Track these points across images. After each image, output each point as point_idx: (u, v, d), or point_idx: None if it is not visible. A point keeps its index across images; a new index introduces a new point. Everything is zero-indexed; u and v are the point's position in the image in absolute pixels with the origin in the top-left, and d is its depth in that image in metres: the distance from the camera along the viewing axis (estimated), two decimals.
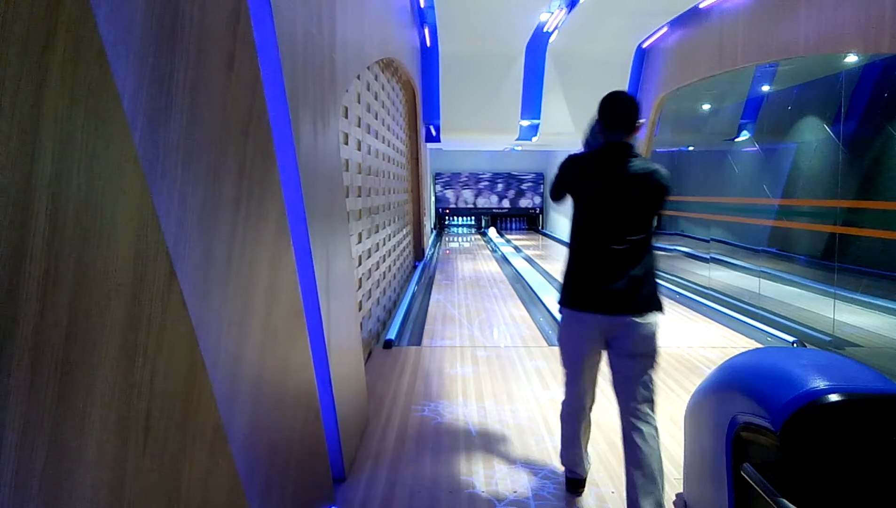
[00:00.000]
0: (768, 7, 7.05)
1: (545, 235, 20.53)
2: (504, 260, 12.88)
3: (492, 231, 20.87)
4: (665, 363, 5.08)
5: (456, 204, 22.74)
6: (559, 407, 2.89)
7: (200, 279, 1.46)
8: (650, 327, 2.56)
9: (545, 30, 10.98)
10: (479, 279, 9.98)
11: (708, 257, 8.74)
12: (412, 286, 8.58)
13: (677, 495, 2.65)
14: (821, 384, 1.72)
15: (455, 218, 22.94)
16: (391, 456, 3.25)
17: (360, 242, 5.10)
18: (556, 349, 2.92)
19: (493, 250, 15.25)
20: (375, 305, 5.89)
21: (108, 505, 1.13)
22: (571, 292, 2.58)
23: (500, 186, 22.69)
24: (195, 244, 1.44)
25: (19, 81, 0.93)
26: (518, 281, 9.65)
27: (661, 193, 2.50)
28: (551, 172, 3.03)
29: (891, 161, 5.27)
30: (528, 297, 8.24)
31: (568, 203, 2.72)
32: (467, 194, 22.72)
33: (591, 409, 2.84)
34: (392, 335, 5.73)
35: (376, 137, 6.33)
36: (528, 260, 12.94)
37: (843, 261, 5.71)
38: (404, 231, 9.46)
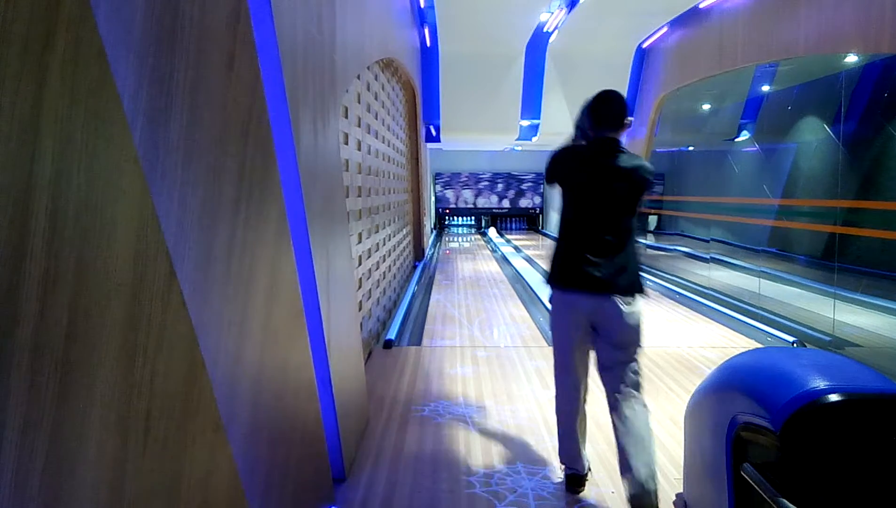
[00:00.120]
0: (768, 7, 7.05)
1: (545, 235, 20.53)
2: (504, 260, 12.88)
3: (492, 231, 20.87)
4: (665, 363, 5.08)
5: (456, 204, 22.74)
6: None
7: (200, 279, 1.46)
8: (635, 315, 2.67)
9: (545, 30, 10.98)
10: (479, 279, 9.98)
11: (708, 257, 8.75)
12: (412, 286, 8.58)
13: (677, 495, 2.65)
14: (821, 384, 1.72)
15: (455, 218, 22.93)
16: (391, 456, 3.25)
17: (360, 242, 5.10)
18: None
19: (493, 250, 15.25)
20: (375, 305, 5.89)
21: (108, 505, 1.13)
22: (560, 273, 2.73)
23: (500, 186, 22.68)
24: (195, 244, 1.44)
25: (19, 81, 0.93)
26: (518, 281, 9.65)
27: (644, 186, 2.69)
28: None
29: (891, 161, 5.27)
30: (528, 297, 8.24)
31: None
32: (467, 194, 22.72)
33: (584, 401, 2.87)
34: (392, 335, 5.73)
35: (376, 137, 6.33)
36: (528, 260, 12.94)
37: (843, 261, 5.71)
38: (404, 231, 9.46)
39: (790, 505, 1.61)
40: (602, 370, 2.75)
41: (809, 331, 6.02)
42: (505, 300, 8.06)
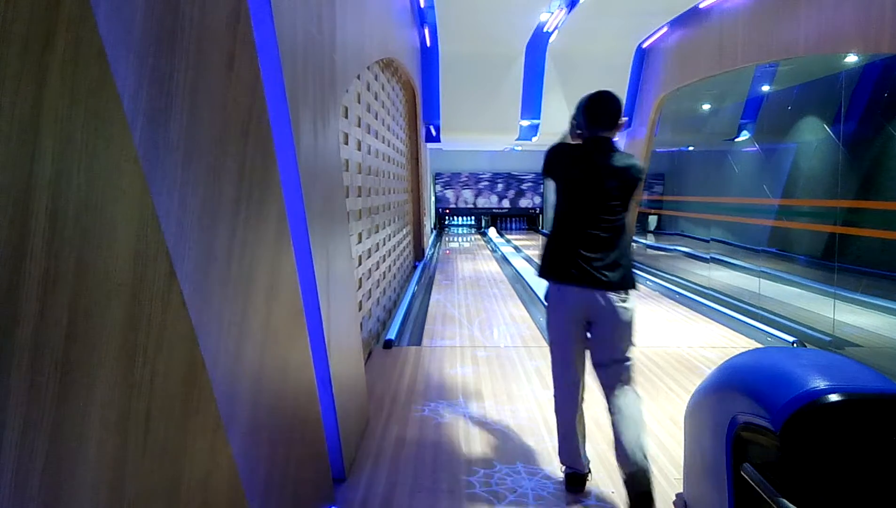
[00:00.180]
0: (768, 7, 7.05)
1: (545, 235, 20.50)
2: (504, 260, 12.88)
3: (492, 231, 20.86)
4: (665, 362, 5.08)
5: (456, 204, 22.73)
6: None
7: (200, 279, 1.46)
8: (629, 312, 2.74)
9: (545, 30, 10.98)
10: (479, 279, 9.98)
11: (708, 257, 8.75)
12: (412, 286, 8.58)
13: (677, 495, 2.65)
14: (821, 384, 1.72)
15: (455, 218, 22.93)
16: (391, 456, 3.25)
17: (360, 242, 5.10)
18: None
19: (493, 250, 15.25)
20: (375, 305, 5.89)
21: (108, 505, 1.13)
22: (554, 267, 2.80)
23: (500, 186, 22.68)
24: (195, 244, 1.44)
25: (19, 80, 0.93)
26: (518, 281, 9.65)
27: (636, 184, 2.79)
28: None
29: (891, 161, 5.27)
30: (528, 297, 8.24)
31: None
32: (467, 194, 22.71)
33: (582, 398, 2.88)
34: (392, 335, 5.73)
35: (376, 137, 6.33)
36: (528, 260, 12.94)
37: (843, 261, 5.71)
38: (404, 231, 9.46)
39: (790, 505, 1.61)
40: (597, 366, 2.81)
41: (809, 331, 6.02)
42: (505, 300, 8.06)
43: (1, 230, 0.90)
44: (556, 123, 12.11)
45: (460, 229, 22.73)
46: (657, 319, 6.96)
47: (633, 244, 11.91)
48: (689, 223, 9.87)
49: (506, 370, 4.84)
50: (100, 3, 1.08)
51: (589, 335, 2.81)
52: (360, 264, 5.07)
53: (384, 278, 6.70)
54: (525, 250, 15.13)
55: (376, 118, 6.32)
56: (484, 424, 3.72)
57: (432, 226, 19.66)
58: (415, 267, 10.67)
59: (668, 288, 8.76)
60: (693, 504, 2.42)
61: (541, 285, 3.15)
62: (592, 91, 2.85)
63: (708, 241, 8.81)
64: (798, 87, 6.98)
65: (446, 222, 22.77)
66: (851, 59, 5.81)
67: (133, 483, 1.19)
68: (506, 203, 22.70)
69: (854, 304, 5.60)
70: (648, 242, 11.65)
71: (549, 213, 21.45)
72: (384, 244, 6.79)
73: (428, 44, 11.34)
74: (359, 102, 5.18)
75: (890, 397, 1.69)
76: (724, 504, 2.04)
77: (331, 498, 2.70)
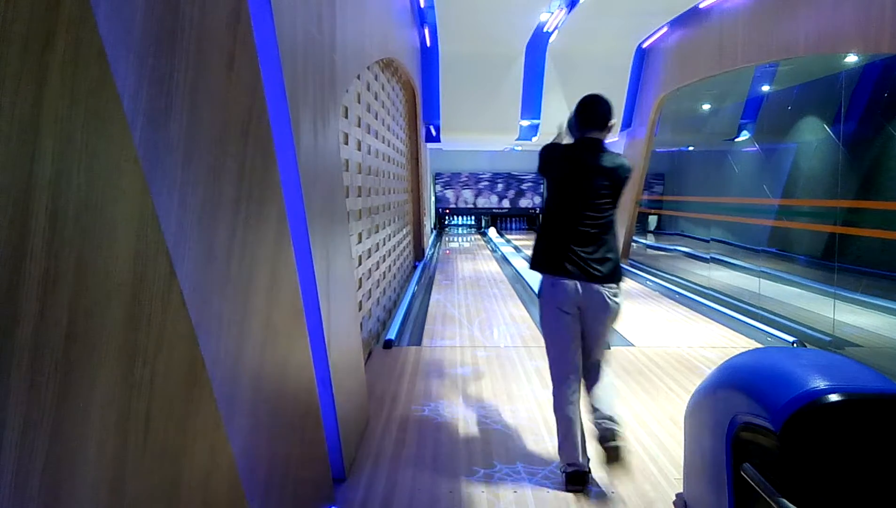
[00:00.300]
0: (768, 7, 7.05)
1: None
2: (504, 260, 12.88)
3: (492, 231, 20.86)
4: (665, 362, 5.08)
5: (456, 204, 22.73)
6: None
7: (200, 279, 1.46)
8: (618, 305, 2.92)
9: (545, 30, 10.98)
10: (479, 279, 9.98)
11: (708, 257, 8.75)
12: (412, 286, 8.58)
13: (677, 495, 2.65)
14: (821, 384, 1.72)
15: (455, 218, 22.92)
16: (391, 456, 3.25)
17: (360, 242, 5.10)
18: None
19: (493, 250, 15.25)
20: (375, 305, 5.89)
21: (108, 505, 1.13)
22: (549, 261, 2.94)
23: (500, 186, 22.67)
24: (195, 244, 1.44)
25: (19, 80, 0.93)
26: (518, 281, 9.65)
27: (623, 183, 2.95)
28: None
29: (891, 161, 5.27)
30: (528, 297, 8.24)
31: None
32: (467, 194, 22.71)
33: (580, 393, 2.95)
34: (392, 335, 5.73)
35: (376, 137, 6.33)
36: (529, 260, 12.92)
37: (843, 261, 5.71)
38: (404, 231, 9.46)
39: (790, 505, 1.61)
40: (583, 355, 2.99)
41: (809, 331, 6.02)
42: (505, 300, 8.06)
43: (1, 230, 0.90)
44: (556, 123, 12.12)
45: (460, 228, 22.73)
46: (657, 319, 6.96)
47: (634, 244, 11.92)
48: (689, 223, 9.87)
49: (506, 370, 4.84)
50: (100, 4, 1.08)
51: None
52: (360, 264, 5.07)
53: (384, 278, 6.70)
54: (525, 250, 15.11)
55: (376, 118, 6.32)
56: (484, 424, 3.72)
57: (432, 226, 19.66)
58: (415, 267, 10.67)
59: (668, 288, 8.76)
60: (693, 504, 2.42)
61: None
62: (591, 92, 2.97)
63: (708, 241, 8.81)
64: (798, 87, 6.98)
65: (446, 222, 22.76)
66: (851, 59, 5.81)
67: (133, 482, 1.19)
68: (506, 203, 22.70)
69: (854, 304, 5.60)
70: (648, 242, 11.65)
71: None
72: (384, 244, 6.79)
73: (428, 44, 11.34)
74: (359, 102, 5.18)
75: (890, 397, 1.69)
76: (723, 504, 2.04)
77: (331, 498, 2.70)
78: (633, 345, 5.68)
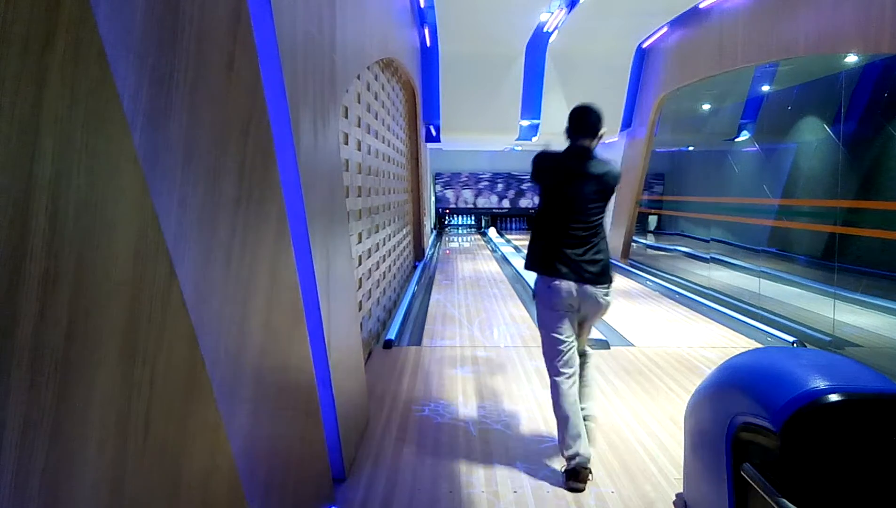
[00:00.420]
0: (768, 7, 7.05)
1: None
2: (504, 260, 12.87)
3: (492, 231, 20.85)
4: (665, 362, 5.08)
5: (456, 204, 22.73)
6: None
7: (200, 279, 1.46)
8: (608, 304, 3.09)
9: (545, 30, 10.98)
10: (479, 279, 9.98)
11: (708, 257, 8.75)
12: (412, 286, 8.58)
13: (677, 495, 2.65)
14: (821, 384, 1.72)
15: (455, 218, 22.92)
16: (391, 456, 3.25)
17: (360, 242, 5.10)
18: None
19: (493, 250, 15.25)
20: (375, 305, 5.89)
21: (108, 505, 1.13)
22: (543, 263, 3.09)
23: (500, 186, 22.68)
24: (195, 244, 1.44)
25: (19, 81, 0.93)
26: (518, 281, 9.64)
27: (611, 189, 3.10)
28: None
29: (891, 161, 5.27)
30: (528, 297, 8.24)
31: None
32: (467, 194, 22.71)
33: (577, 386, 3.06)
34: (392, 335, 5.73)
35: (376, 137, 6.33)
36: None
37: (843, 261, 5.72)
38: (404, 231, 9.46)
39: (790, 505, 1.61)
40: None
41: (809, 331, 6.02)
42: (505, 300, 8.06)
43: (1, 230, 0.90)
44: (556, 122, 12.11)
45: (460, 228, 22.73)
46: (657, 319, 6.96)
47: (634, 244, 11.93)
48: (689, 223, 9.87)
49: (506, 369, 4.84)
50: (100, 4, 1.08)
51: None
52: (360, 264, 5.07)
53: (384, 278, 6.70)
54: (525, 251, 15.12)
55: (376, 118, 6.32)
56: (484, 424, 3.72)
57: (432, 226, 19.66)
58: (415, 267, 10.67)
59: (668, 288, 8.76)
60: (693, 504, 2.42)
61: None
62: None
63: (708, 241, 8.81)
64: (798, 87, 6.98)
65: (446, 222, 22.77)
66: (851, 59, 5.81)
67: (133, 482, 1.19)
68: (506, 203, 22.70)
69: (854, 304, 5.60)
70: (648, 242, 11.65)
71: None
72: (384, 244, 6.79)
73: (428, 44, 11.34)
74: (359, 102, 5.18)
75: (890, 397, 1.69)
76: (723, 504, 2.04)
77: (331, 498, 2.70)
78: (633, 345, 5.68)
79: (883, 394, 1.70)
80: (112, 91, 1.11)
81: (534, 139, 13.23)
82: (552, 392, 3.05)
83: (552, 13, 10.03)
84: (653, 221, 11.56)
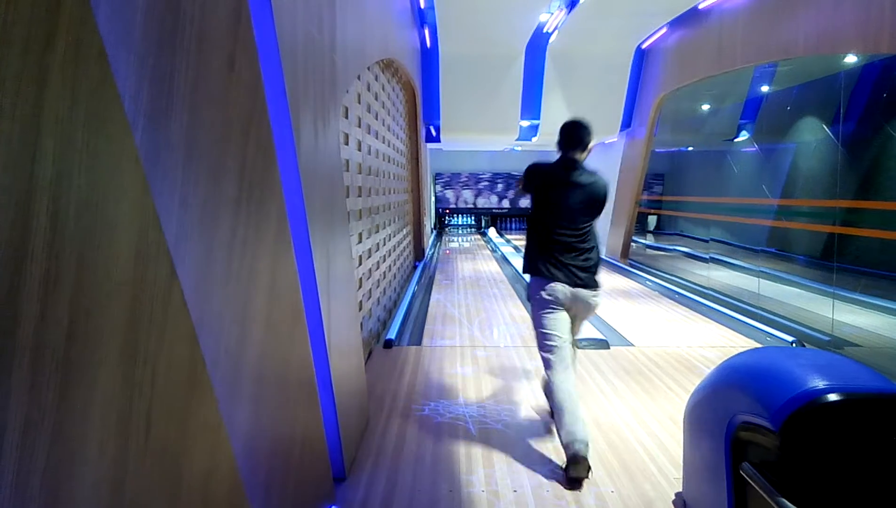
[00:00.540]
0: (768, 7, 7.06)
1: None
2: (504, 260, 12.88)
3: (492, 231, 20.86)
4: (665, 362, 5.08)
5: (456, 204, 22.73)
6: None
7: (201, 279, 1.46)
8: (596, 305, 3.31)
9: (545, 30, 10.99)
10: (479, 279, 9.99)
11: (707, 257, 8.75)
12: (412, 286, 8.58)
13: (677, 494, 2.66)
14: (820, 383, 1.72)
15: (455, 218, 22.93)
16: (391, 456, 3.25)
17: (360, 242, 5.10)
18: None
19: (493, 250, 15.25)
20: (375, 305, 5.89)
21: (108, 505, 1.13)
22: (538, 267, 3.26)
23: (500, 187, 22.68)
24: (196, 244, 1.44)
25: (20, 81, 0.93)
26: (518, 281, 9.64)
27: (599, 199, 3.29)
28: None
29: (890, 161, 5.28)
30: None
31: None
32: (467, 194, 22.71)
33: (573, 378, 3.19)
34: (392, 334, 5.74)
35: (376, 138, 6.33)
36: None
37: (842, 261, 5.72)
38: (404, 231, 9.46)
39: (790, 505, 1.62)
40: None
41: (809, 331, 6.02)
42: (505, 300, 8.06)
43: (2, 231, 0.90)
44: (556, 123, 12.07)
45: (460, 229, 22.73)
46: (657, 319, 6.97)
47: (633, 244, 11.93)
48: (689, 223, 9.88)
49: (506, 369, 4.85)
50: (100, 4, 1.08)
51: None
52: (360, 263, 5.07)
53: (384, 277, 6.70)
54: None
55: (376, 118, 6.33)
56: (484, 424, 3.72)
57: (432, 226, 19.66)
58: (415, 267, 10.67)
59: (668, 288, 8.76)
60: (693, 504, 2.43)
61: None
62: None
63: (707, 241, 8.82)
64: (797, 87, 6.99)
65: (446, 222, 22.77)
66: (851, 59, 5.82)
67: (133, 482, 1.20)
68: (506, 203, 22.70)
69: (853, 304, 5.60)
70: (648, 242, 11.66)
71: None
72: (384, 244, 6.79)
73: (428, 44, 11.34)
74: (359, 103, 5.18)
75: (889, 397, 1.69)
76: (723, 503, 2.04)
77: (331, 498, 2.70)
78: (632, 345, 5.69)
79: (882, 394, 1.70)
80: (113, 91, 1.12)
81: (534, 139, 13.22)
82: (548, 385, 3.22)
83: (552, 14, 10.04)
84: (652, 221, 11.57)
